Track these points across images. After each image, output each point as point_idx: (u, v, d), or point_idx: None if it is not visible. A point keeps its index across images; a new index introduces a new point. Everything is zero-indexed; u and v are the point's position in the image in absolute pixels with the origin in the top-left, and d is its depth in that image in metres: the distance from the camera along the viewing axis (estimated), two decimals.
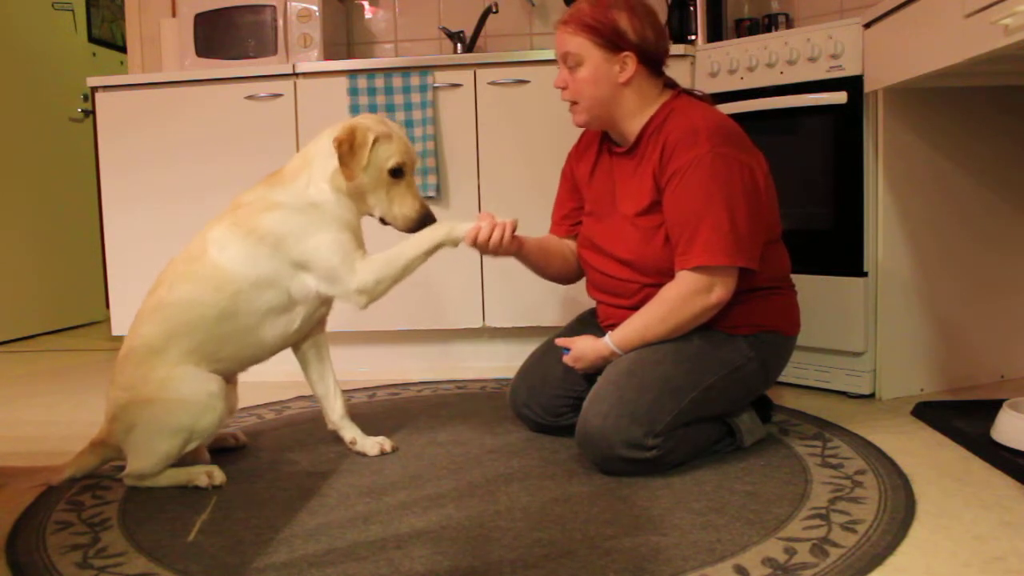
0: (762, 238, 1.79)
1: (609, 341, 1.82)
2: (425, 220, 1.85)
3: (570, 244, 2.08)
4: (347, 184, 1.81)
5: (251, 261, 1.78)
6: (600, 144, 2.00)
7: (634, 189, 1.85)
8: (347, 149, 1.78)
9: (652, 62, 1.85)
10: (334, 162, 1.81)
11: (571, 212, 2.08)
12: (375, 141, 1.80)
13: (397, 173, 1.83)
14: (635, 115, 1.85)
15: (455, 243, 1.82)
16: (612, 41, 1.80)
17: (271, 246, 1.79)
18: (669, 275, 1.77)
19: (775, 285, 1.87)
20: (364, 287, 1.80)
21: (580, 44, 1.81)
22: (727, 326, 1.80)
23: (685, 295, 1.73)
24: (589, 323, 2.07)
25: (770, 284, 1.85)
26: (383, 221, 1.88)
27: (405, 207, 1.85)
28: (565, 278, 2.11)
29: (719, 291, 1.72)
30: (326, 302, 1.90)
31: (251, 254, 1.79)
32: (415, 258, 1.82)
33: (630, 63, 1.81)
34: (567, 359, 1.90)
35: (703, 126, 1.75)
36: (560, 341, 1.93)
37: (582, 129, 2.01)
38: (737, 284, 1.75)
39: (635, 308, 1.82)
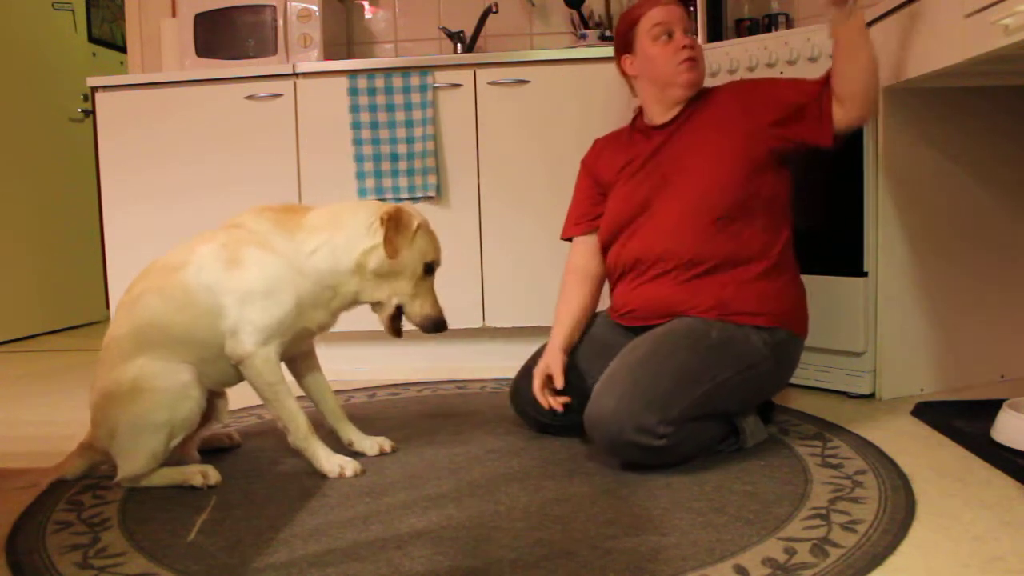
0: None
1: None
2: (440, 325, 1.86)
3: (586, 263, 2.10)
4: (377, 266, 1.78)
5: (216, 288, 1.76)
6: (628, 135, 2.10)
7: (710, 136, 1.94)
8: (394, 227, 1.76)
9: None
10: (368, 242, 1.78)
11: (590, 209, 2.11)
12: (418, 228, 1.80)
13: (429, 270, 1.84)
14: None
15: (299, 448, 1.83)
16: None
17: (237, 278, 1.75)
18: (731, 217, 1.87)
19: (788, 266, 1.92)
20: (244, 362, 1.76)
21: (689, 16, 2.05)
22: (747, 313, 1.83)
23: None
24: (597, 324, 2.07)
25: (784, 262, 1.91)
26: (397, 310, 1.85)
27: (427, 307, 1.84)
28: (602, 286, 2.15)
29: None
30: (309, 338, 1.92)
31: (219, 281, 1.76)
32: (277, 408, 1.80)
33: None
34: None
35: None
36: None
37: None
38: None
39: (663, 275, 1.89)
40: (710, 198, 1.88)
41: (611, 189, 2.07)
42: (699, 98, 2.00)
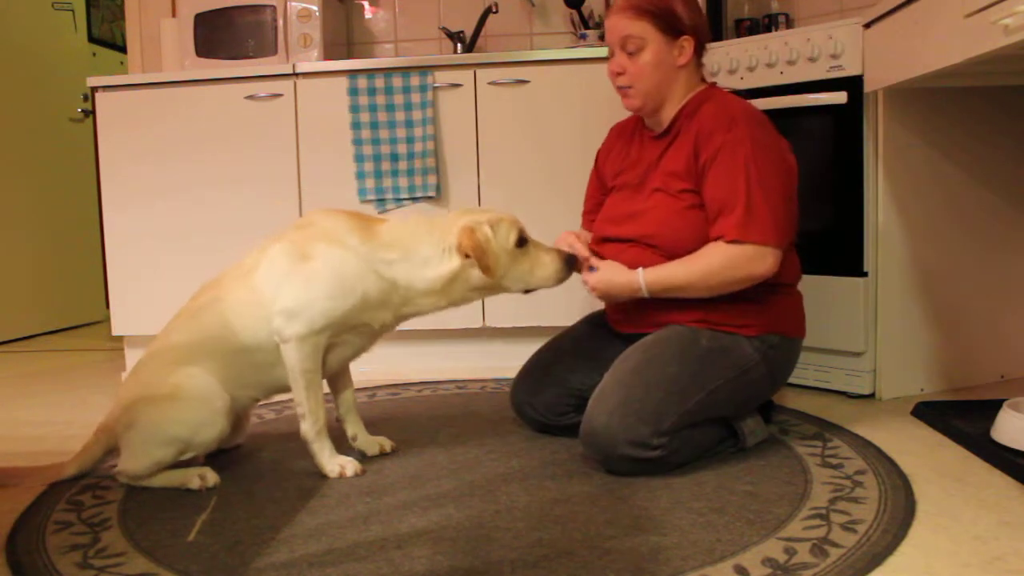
0: (792, 227, 1.82)
1: (640, 275, 1.80)
2: (569, 261, 1.81)
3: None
4: (481, 283, 1.76)
5: (283, 281, 1.75)
6: (633, 129, 2.02)
7: (667, 167, 1.85)
8: (481, 255, 1.71)
9: (702, 47, 1.89)
10: (447, 266, 1.74)
11: (597, 206, 2.08)
12: (493, 229, 1.75)
13: (522, 243, 1.80)
14: (680, 99, 1.89)
15: (308, 441, 1.80)
16: (672, 25, 1.83)
17: (304, 270, 1.74)
18: (690, 252, 1.78)
19: (785, 287, 1.88)
20: (287, 346, 1.74)
21: (643, 28, 1.82)
22: (736, 325, 1.80)
23: (727, 257, 1.73)
24: (599, 325, 2.07)
25: (781, 286, 1.86)
26: (528, 291, 1.82)
27: (548, 267, 1.80)
28: None
29: (759, 264, 1.73)
30: (365, 345, 1.90)
31: (287, 275, 1.75)
32: (303, 393, 1.77)
33: (687, 47, 1.85)
34: (589, 278, 1.87)
35: (739, 112, 1.79)
36: (592, 260, 1.90)
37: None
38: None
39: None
40: (669, 246, 1.81)
41: (611, 181, 2.04)
42: (694, 112, 1.85)
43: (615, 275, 1.84)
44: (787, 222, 1.77)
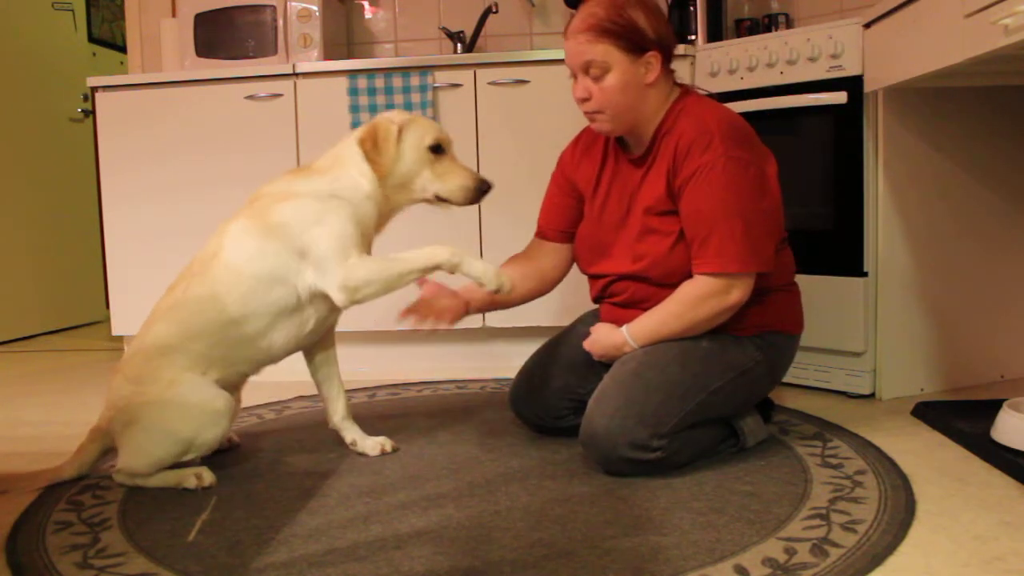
0: (775, 239, 1.80)
1: (625, 332, 1.82)
2: (483, 187, 1.82)
3: (540, 257, 2.03)
4: (386, 179, 1.81)
5: (261, 255, 1.76)
6: (605, 148, 1.94)
7: (648, 193, 1.81)
8: (371, 146, 1.79)
9: (670, 58, 1.81)
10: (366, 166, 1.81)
11: (566, 219, 2.01)
12: (400, 129, 1.80)
13: (437, 149, 1.83)
14: (655, 114, 1.81)
15: (453, 269, 1.74)
16: (636, 43, 1.73)
17: (281, 237, 1.76)
18: (684, 279, 1.77)
19: (781, 285, 1.87)
20: (348, 283, 1.73)
21: (605, 51, 1.73)
22: (734, 328, 1.80)
23: (702, 295, 1.73)
24: (591, 325, 2.06)
25: (776, 286, 1.85)
26: (439, 199, 1.84)
27: (458, 179, 1.82)
28: (540, 294, 2.06)
29: (736, 293, 1.72)
30: (336, 308, 1.88)
31: (262, 248, 1.76)
32: (409, 271, 1.75)
33: (655, 63, 1.76)
34: (585, 343, 1.92)
35: (715, 127, 1.72)
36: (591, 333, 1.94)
37: (580, 128, 2.01)
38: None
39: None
40: (660, 278, 1.80)
41: (584, 202, 1.98)
42: (670, 129, 1.78)
43: (602, 336, 1.87)
44: (764, 244, 1.75)
